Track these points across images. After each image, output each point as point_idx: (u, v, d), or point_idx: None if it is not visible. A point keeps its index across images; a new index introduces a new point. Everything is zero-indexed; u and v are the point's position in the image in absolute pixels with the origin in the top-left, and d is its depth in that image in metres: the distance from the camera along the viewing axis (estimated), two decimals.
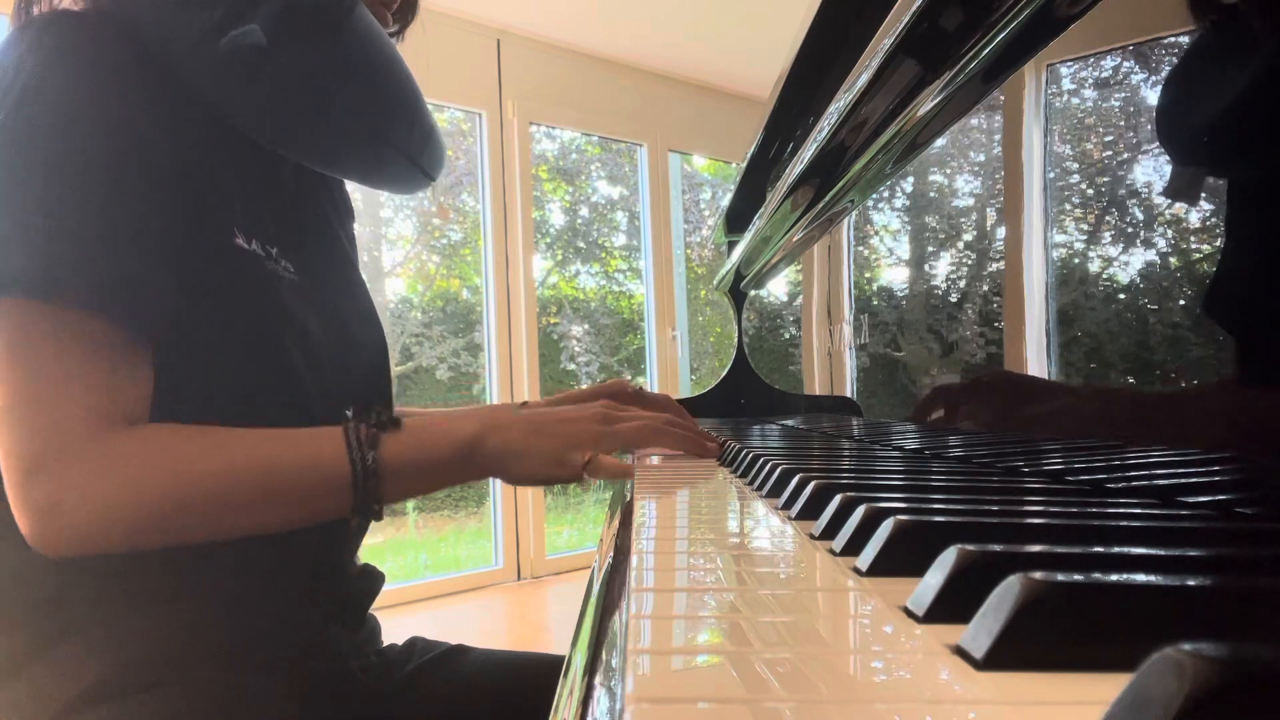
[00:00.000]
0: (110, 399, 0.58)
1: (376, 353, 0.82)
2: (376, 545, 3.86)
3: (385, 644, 0.87)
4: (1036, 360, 0.57)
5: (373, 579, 0.82)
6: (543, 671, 0.84)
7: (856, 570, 0.32)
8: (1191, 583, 0.21)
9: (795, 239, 1.22)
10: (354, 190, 0.88)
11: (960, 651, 0.22)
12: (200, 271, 0.62)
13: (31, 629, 0.60)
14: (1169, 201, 0.43)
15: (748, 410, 1.59)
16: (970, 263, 0.69)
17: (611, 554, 0.40)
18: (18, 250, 0.56)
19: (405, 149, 0.74)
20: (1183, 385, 0.42)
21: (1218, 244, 0.39)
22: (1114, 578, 0.21)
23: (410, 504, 4.17)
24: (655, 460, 0.79)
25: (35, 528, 0.56)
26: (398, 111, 0.73)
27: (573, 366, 4.67)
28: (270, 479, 0.60)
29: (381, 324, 0.84)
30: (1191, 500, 0.42)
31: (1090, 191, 0.51)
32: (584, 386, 1.06)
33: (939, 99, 0.68)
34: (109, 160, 0.59)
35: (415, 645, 0.88)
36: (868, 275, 0.98)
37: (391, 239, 4.31)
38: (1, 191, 0.57)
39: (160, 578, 0.62)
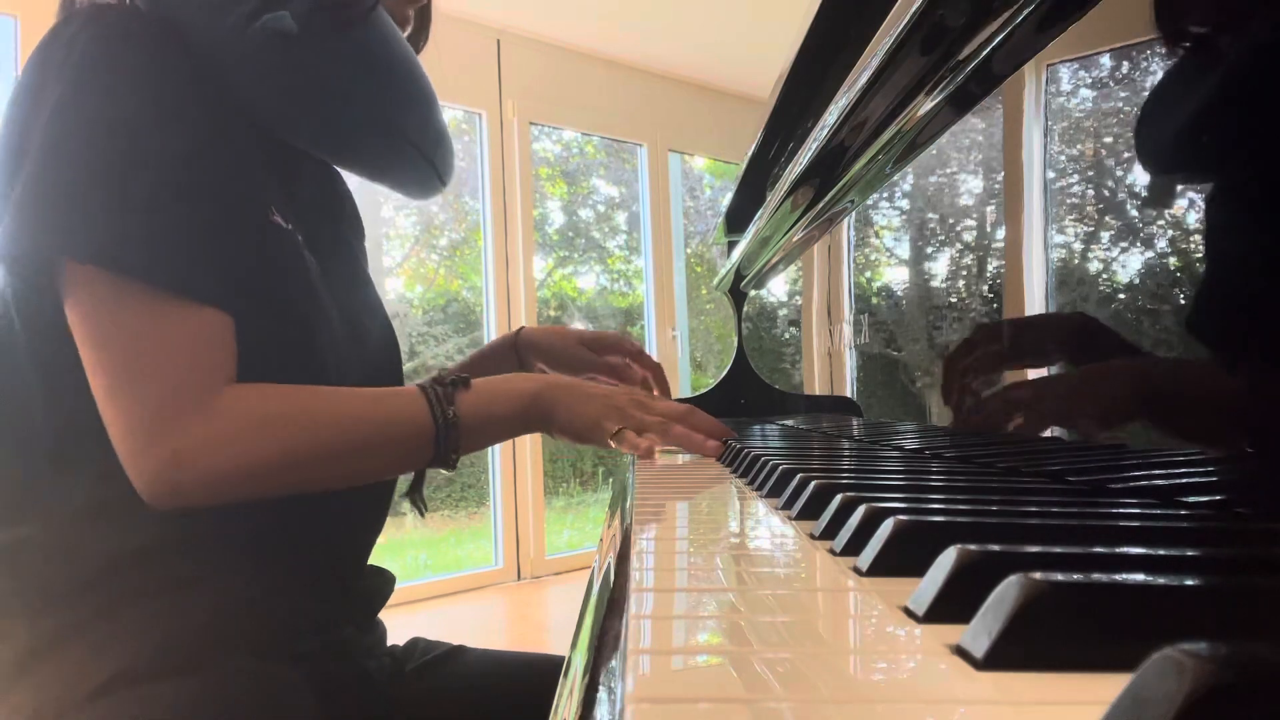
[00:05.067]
0: (211, 361, 0.61)
1: (389, 349, 0.84)
2: (378, 544, 3.85)
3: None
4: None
5: (384, 579, 0.83)
6: (543, 671, 0.84)
7: (856, 570, 0.32)
8: (1191, 583, 0.21)
9: (795, 239, 1.22)
10: (355, 194, 0.89)
11: (960, 651, 0.22)
12: (252, 245, 0.66)
13: (67, 612, 0.61)
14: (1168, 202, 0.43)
15: (748, 410, 1.59)
16: (970, 263, 0.69)
17: (611, 554, 0.40)
18: (91, 223, 0.59)
19: (420, 144, 0.77)
20: (1182, 384, 0.42)
21: (1218, 243, 0.39)
22: (1114, 578, 0.21)
23: (408, 504, 4.18)
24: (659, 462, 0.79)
25: (156, 483, 0.59)
26: (414, 106, 0.76)
27: None
28: (357, 432, 0.65)
29: (392, 324, 0.86)
30: (1191, 500, 0.42)
31: (1090, 192, 0.51)
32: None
33: (939, 99, 0.68)
34: (167, 136, 0.62)
35: (416, 646, 0.88)
36: (868, 275, 0.98)
37: (391, 238, 4.31)
38: (63, 158, 0.59)
39: (183, 565, 0.63)
